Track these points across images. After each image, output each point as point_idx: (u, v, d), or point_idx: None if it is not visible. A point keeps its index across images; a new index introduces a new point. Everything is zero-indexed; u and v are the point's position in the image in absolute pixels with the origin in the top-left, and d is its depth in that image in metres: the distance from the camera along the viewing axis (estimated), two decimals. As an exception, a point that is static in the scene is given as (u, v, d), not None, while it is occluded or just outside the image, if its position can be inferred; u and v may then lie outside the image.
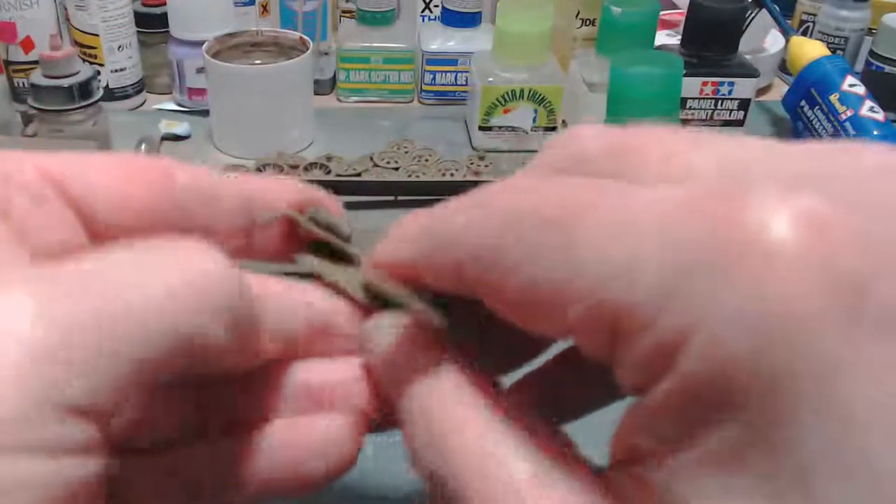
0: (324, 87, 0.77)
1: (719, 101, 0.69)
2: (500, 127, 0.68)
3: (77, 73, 0.62)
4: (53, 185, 0.19)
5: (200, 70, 0.70)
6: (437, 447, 0.17)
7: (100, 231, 0.19)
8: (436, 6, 0.83)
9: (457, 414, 0.18)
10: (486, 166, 0.65)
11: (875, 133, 0.65)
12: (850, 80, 0.67)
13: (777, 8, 0.74)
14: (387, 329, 0.21)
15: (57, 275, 0.15)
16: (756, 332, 0.13)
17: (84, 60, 0.68)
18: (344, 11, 0.82)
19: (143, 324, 0.15)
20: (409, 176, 0.63)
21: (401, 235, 0.20)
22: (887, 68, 0.75)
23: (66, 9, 0.72)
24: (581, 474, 0.16)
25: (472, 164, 0.65)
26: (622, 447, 0.16)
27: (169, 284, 0.16)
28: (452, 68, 0.76)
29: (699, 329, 0.13)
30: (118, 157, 0.20)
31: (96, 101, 0.62)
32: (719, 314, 0.13)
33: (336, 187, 0.60)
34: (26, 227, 0.18)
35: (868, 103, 0.66)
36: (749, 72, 0.68)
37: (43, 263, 0.16)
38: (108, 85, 0.73)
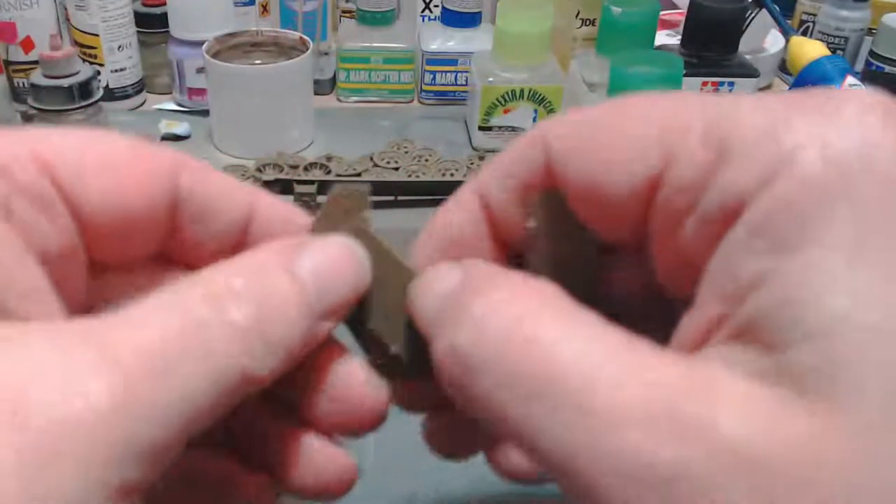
0: (324, 87, 0.77)
1: (719, 101, 0.68)
2: (500, 127, 0.68)
3: (77, 73, 0.62)
4: (50, 178, 0.18)
5: (200, 70, 0.70)
6: (521, 365, 0.16)
7: (85, 225, 0.19)
8: (436, 6, 0.83)
9: (552, 328, 0.16)
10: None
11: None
12: (850, 80, 0.67)
13: (777, 8, 0.74)
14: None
15: (129, 355, 0.15)
16: (876, 136, 0.15)
17: (84, 60, 0.68)
18: (344, 11, 0.82)
19: (197, 405, 0.16)
20: (409, 176, 0.63)
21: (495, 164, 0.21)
22: (887, 68, 0.75)
23: (66, 9, 0.72)
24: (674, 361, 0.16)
25: (472, 164, 0.65)
26: (705, 323, 0.16)
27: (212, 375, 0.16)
28: (452, 68, 0.76)
29: (817, 139, 0.15)
30: (123, 150, 0.20)
31: (96, 101, 0.62)
32: (838, 126, 0.15)
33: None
34: (28, 229, 0.18)
35: (868, 103, 0.66)
36: (749, 72, 0.68)
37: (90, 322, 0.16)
38: (108, 85, 0.73)
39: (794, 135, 0.16)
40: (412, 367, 0.22)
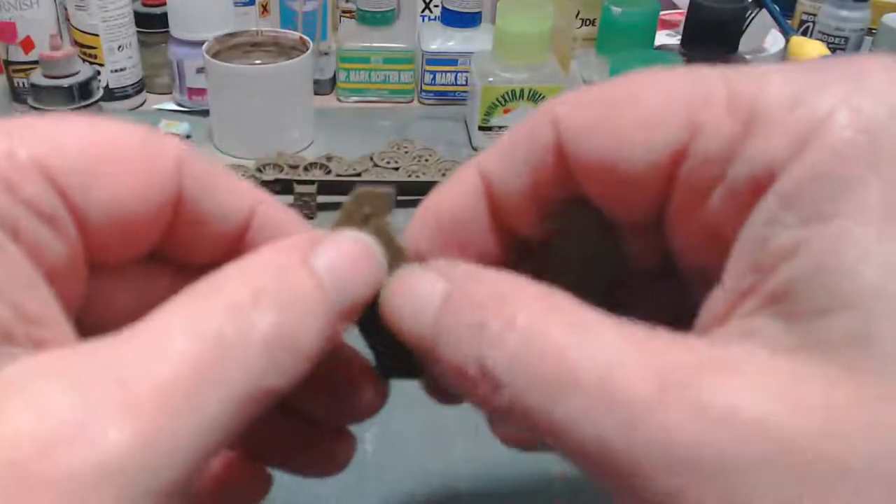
0: (324, 87, 0.77)
1: (719, 101, 0.68)
2: (500, 127, 0.68)
3: (77, 73, 0.62)
4: (55, 189, 0.17)
5: (200, 70, 0.70)
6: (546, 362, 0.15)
7: (88, 231, 0.18)
8: (436, 6, 0.83)
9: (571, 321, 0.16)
10: (486, 166, 0.65)
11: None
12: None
13: (777, 8, 0.74)
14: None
15: (148, 392, 0.15)
16: None
17: (84, 60, 0.68)
18: (344, 11, 0.82)
19: (219, 433, 0.15)
20: (409, 176, 0.63)
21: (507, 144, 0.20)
22: (887, 68, 0.75)
23: (66, 9, 0.72)
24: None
25: (472, 164, 0.65)
26: (732, 295, 0.16)
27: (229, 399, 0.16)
28: (452, 68, 0.76)
29: (846, 105, 0.15)
30: (129, 149, 0.19)
31: (96, 101, 0.62)
32: (867, 91, 0.15)
33: (336, 187, 0.60)
34: (36, 247, 0.17)
35: (868, 103, 0.66)
36: (749, 72, 0.68)
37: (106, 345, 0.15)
38: (108, 85, 0.73)
39: (824, 102, 0.15)
40: (399, 369, 0.21)
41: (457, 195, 0.21)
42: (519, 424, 0.16)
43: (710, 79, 0.17)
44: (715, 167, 0.17)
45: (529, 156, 0.19)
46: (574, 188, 0.20)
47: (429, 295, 0.18)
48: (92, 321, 0.20)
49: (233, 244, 0.21)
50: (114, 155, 0.18)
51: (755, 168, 0.16)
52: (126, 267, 0.21)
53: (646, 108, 0.18)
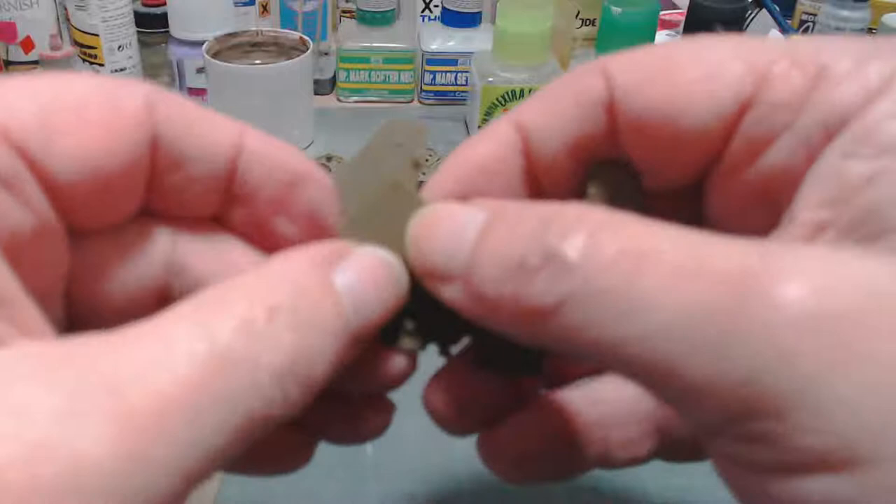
0: (324, 87, 0.77)
1: (719, 101, 0.69)
2: (500, 127, 0.68)
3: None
4: (14, 149, 0.16)
5: (200, 70, 0.70)
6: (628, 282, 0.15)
7: (58, 193, 0.17)
8: (436, 6, 0.83)
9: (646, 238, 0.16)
10: (486, 166, 0.65)
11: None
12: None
13: (777, 8, 0.74)
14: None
15: (142, 401, 0.14)
16: None
17: (84, 60, 0.68)
18: (344, 11, 0.82)
19: (216, 454, 0.14)
20: (409, 176, 0.63)
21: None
22: (887, 68, 0.75)
23: (66, 9, 0.72)
24: None
25: (472, 164, 0.65)
26: (803, 232, 0.17)
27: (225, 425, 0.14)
28: (452, 68, 0.76)
29: None
30: (91, 98, 0.17)
31: (96, 101, 0.62)
32: None
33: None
34: None
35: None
36: (749, 72, 0.68)
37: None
38: (108, 85, 0.73)
39: (886, 64, 0.16)
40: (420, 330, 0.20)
41: (491, 146, 0.20)
42: (569, 331, 0.15)
43: (769, 41, 0.18)
44: (784, 115, 0.17)
45: (577, 111, 0.19)
46: (615, 148, 0.19)
47: (469, 219, 0.17)
48: (87, 292, 0.19)
49: (224, 187, 0.20)
50: (73, 107, 0.17)
51: (829, 114, 0.17)
52: (117, 230, 0.19)
53: (708, 63, 0.18)
